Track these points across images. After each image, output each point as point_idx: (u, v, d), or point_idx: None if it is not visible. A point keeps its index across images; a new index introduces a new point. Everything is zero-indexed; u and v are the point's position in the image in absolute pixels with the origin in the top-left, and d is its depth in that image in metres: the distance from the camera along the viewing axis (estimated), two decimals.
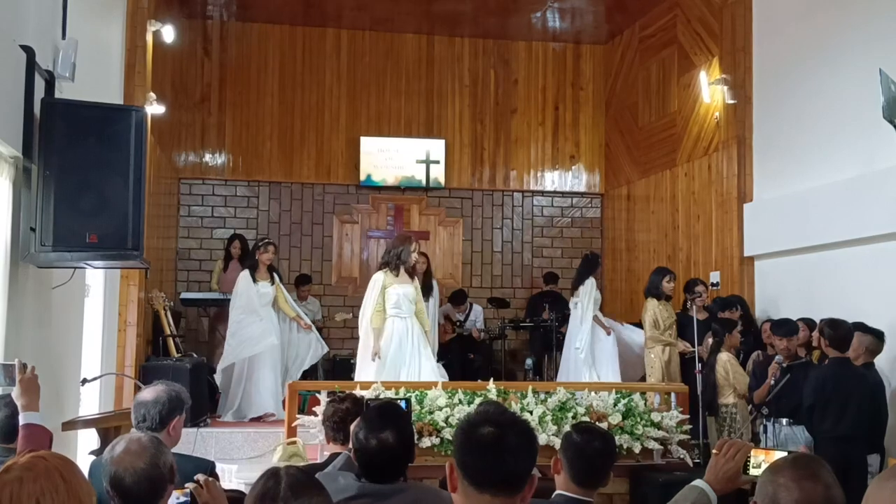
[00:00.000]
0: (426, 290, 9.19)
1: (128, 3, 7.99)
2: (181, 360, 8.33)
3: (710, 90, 9.53)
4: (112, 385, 7.51)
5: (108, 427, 5.02)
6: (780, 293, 8.54)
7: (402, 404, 3.26)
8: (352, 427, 3.26)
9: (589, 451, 3.13)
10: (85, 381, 5.94)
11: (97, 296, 7.12)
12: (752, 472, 2.48)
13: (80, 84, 5.38)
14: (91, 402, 6.76)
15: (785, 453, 2.37)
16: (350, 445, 3.31)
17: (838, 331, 5.99)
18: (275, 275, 8.96)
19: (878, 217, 7.02)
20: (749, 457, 2.52)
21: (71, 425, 4.98)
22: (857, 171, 7.38)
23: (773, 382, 6.52)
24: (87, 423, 5.17)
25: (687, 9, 10.37)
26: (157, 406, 3.54)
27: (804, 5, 8.32)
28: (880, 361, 6.36)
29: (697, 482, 2.53)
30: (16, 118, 4.64)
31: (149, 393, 3.60)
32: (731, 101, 9.20)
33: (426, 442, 6.32)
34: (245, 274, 8.77)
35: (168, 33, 8.82)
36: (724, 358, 7.22)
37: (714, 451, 2.58)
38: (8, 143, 4.52)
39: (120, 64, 7.88)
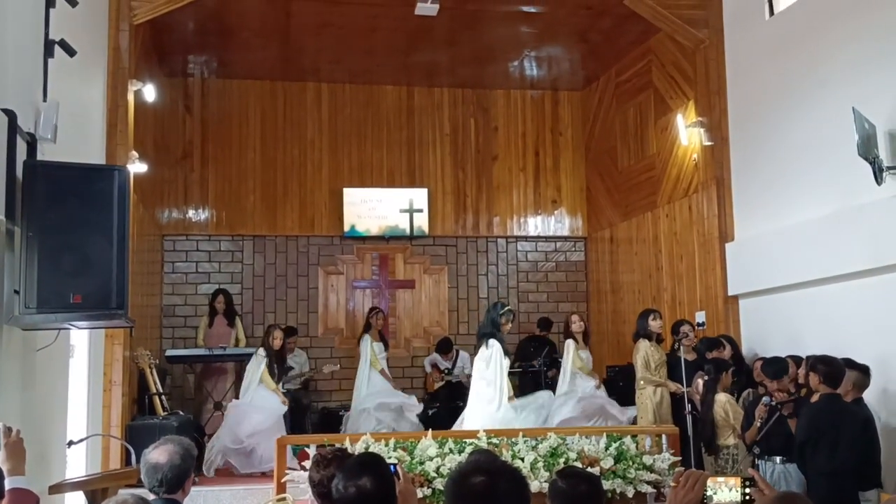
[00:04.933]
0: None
1: (109, 63, 8.06)
2: (168, 418, 8.25)
3: (688, 132, 9.66)
4: (99, 446, 7.42)
5: (95, 489, 4.96)
6: (765, 331, 8.57)
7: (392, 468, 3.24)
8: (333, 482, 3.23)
9: (576, 497, 3.10)
10: (71, 443, 5.87)
11: (82, 356, 7.07)
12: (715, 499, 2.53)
13: (63, 145, 5.40)
14: (78, 464, 6.68)
15: (736, 479, 2.42)
16: None
17: (832, 367, 5.98)
18: None
19: (857, 253, 7.09)
20: (707, 486, 2.56)
21: (58, 489, 4.91)
22: (834, 208, 7.47)
23: (759, 424, 6.51)
24: (75, 485, 5.10)
25: (661, 54, 10.55)
26: (172, 469, 3.47)
27: (775, 47, 8.48)
28: (868, 396, 6.38)
29: None
30: None
31: (161, 454, 3.50)
32: (709, 143, 9.32)
33: (417, 493, 6.26)
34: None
35: (149, 92, 8.90)
36: (723, 399, 7.18)
37: (672, 483, 2.60)
38: None
39: (102, 124, 7.93)
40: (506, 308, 8.37)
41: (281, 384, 9.12)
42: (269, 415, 8.75)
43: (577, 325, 9.08)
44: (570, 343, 9.03)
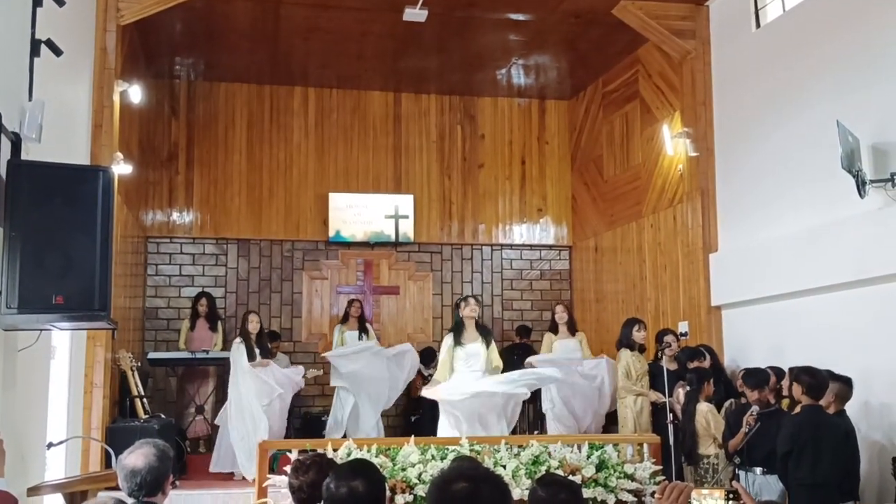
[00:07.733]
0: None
1: (95, 63, 8.03)
2: (149, 421, 8.21)
3: (673, 143, 9.70)
4: (79, 448, 7.36)
5: (74, 492, 4.93)
6: (747, 342, 8.61)
7: None
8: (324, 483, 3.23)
9: None
10: (51, 444, 5.82)
11: (63, 357, 7.02)
12: None
13: (47, 145, 5.37)
14: (57, 466, 6.63)
15: (721, 492, 2.43)
16: None
17: (816, 378, 6.01)
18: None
19: (840, 265, 7.14)
20: (691, 499, 2.57)
21: (37, 491, 4.87)
22: (818, 221, 7.52)
23: (746, 431, 6.53)
24: (54, 487, 5.05)
25: (648, 64, 10.60)
26: (151, 473, 3.44)
27: (761, 59, 8.54)
28: (849, 408, 6.40)
29: None
30: None
31: (138, 459, 3.46)
32: (694, 154, 9.38)
33: (399, 500, 6.24)
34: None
35: (135, 93, 8.87)
36: (705, 409, 7.21)
37: (657, 494, 2.61)
38: None
39: (87, 124, 7.89)
40: (465, 296, 8.48)
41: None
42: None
43: (559, 316, 9.46)
44: (547, 336, 9.54)
